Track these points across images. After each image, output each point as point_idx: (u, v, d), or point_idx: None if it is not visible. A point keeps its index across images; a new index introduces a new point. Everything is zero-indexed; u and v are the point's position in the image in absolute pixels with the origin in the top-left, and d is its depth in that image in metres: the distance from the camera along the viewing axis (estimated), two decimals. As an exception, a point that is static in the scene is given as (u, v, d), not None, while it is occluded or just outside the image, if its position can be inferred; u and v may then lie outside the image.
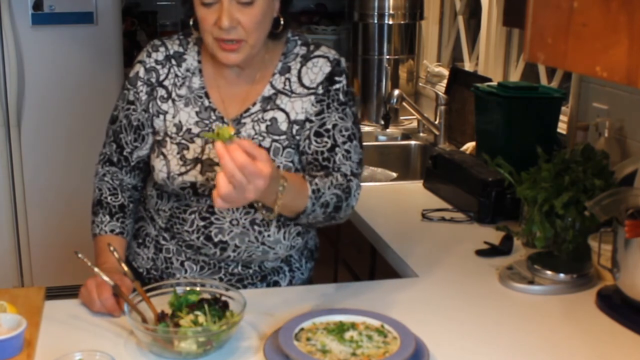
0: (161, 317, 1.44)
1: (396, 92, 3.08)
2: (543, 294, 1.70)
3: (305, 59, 1.67)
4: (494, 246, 1.94)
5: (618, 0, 1.25)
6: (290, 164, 1.65)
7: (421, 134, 3.27)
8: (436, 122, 3.09)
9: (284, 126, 1.65)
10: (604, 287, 1.71)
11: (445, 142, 3.05)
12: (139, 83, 1.68)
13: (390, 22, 3.40)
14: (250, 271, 1.72)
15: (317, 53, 1.68)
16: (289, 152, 1.64)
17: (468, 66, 3.29)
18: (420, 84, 3.57)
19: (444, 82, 3.20)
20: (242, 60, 1.59)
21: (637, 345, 1.49)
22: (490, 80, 2.77)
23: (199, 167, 1.63)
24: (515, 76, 2.91)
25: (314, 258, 1.85)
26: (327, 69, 1.66)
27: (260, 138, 1.64)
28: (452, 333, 1.51)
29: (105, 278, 1.50)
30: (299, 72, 1.67)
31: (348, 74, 1.71)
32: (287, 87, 1.66)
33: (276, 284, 1.76)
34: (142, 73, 1.68)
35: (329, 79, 1.66)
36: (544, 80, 2.74)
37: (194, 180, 1.63)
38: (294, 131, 1.65)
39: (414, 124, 3.38)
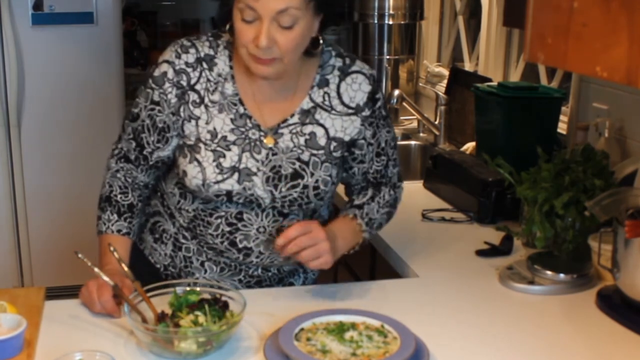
0: (161, 317, 1.44)
1: (396, 92, 3.08)
2: (543, 294, 1.70)
3: (344, 73, 1.67)
4: (494, 246, 1.94)
5: (618, 0, 1.25)
6: (329, 178, 1.65)
7: (421, 134, 3.27)
8: (436, 122, 3.09)
9: (322, 141, 1.65)
10: (604, 287, 1.71)
11: (445, 142, 3.05)
12: (167, 84, 1.62)
13: (390, 22, 3.40)
14: (269, 274, 1.73)
15: (354, 68, 1.68)
16: (326, 167, 1.65)
17: (468, 66, 3.29)
18: (420, 84, 3.57)
19: (444, 82, 3.20)
20: (274, 75, 1.58)
21: (637, 345, 1.49)
22: (490, 80, 2.77)
23: (236, 175, 1.61)
24: (515, 76, 2.91)
25: None
26: (367, 87, 1.67)
27: (300, 151, 1.63)
28: (452, 333, 1.51)
29: (106, 278, 1.50)
30: (338, 87, 1.66)
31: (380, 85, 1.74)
32: (327, 103, 1.66)
33: (291, 284, 1.77)
34: (170, 74, 1.62)
35: (372, 99, 1.68)
36: (544, 80, 2.74)
37: (230, 189, 1.61)
38: (332, 147, 1.66)
39: (414, 124, 3.38)
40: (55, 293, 1.85)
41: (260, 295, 1.66)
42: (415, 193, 2.44)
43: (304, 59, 1.62)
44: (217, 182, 1.61)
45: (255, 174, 1.61)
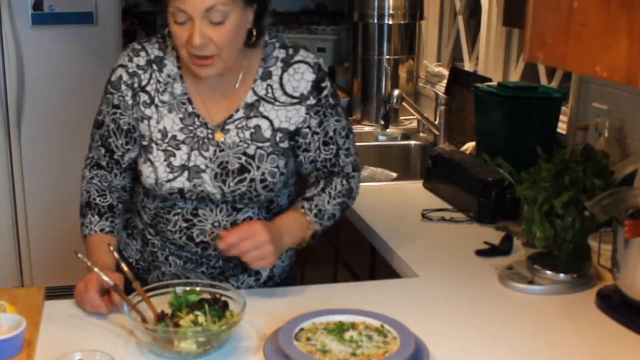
0: (161, 317, 1.44)
1: (396, 92, 3.08)
2: (543, 294, 1.70)
3: (286, 64, 1.68)
4: (494, 246, 1.94)
5: (618, 0, 1.25)
6: (276, 169, 1.67)
7: (421, 134, 3.27)
8: (436, 122, 3.09)
9: (267, 133, 1.67)
10: (604, 287, 1.71)
11: (445, 142, 3.05)
12: (123, 87, 1.68)
13: (390, 22, 3.40)
14: (232, 264, 1.75)
15: (297, 58, 1.69)
16: (273, 159, 1.67)
17: (468, 66, 3.29)
18: (420, 84, 3.57)
19: (444, 82, 3.20)
20: (216, 74, 1.61)
21: (637, 345, 1.49)
22: (490, 80, 2.77)
23: (186, 174, 1.65)
24: (515, 76, 2.91)
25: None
26: (311, 76, 1.68)
27: (245, 145, 1.66)
28: (452, 333, 1.51)
29: (106, 278, 1.51)
30: (281, 78, 1.68)
31: (327, 72, 1.73)
32: (270, 95, 1.68)
33: (257, 274, 1.78)
34: (125, 77, 1.68)
35: (316, 88, 1.68)
36: (544, 80, 2.74)
37: (181, 187, 1.66)
38: (278, 138, 1.68)
39: (414, 124, 3.38)
40: (55, 293, 1.85)
41: (260, 295, 1.66)
42: (415, 193, 2.44)
43: (246, 52, 1.65)
44: (169, 180, 1.65)
45: (204, 171, 1.65)
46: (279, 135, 1.67)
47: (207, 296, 1.49)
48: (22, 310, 1.48)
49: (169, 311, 1.45)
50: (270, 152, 1.67)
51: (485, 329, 1.53)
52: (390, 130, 3.22)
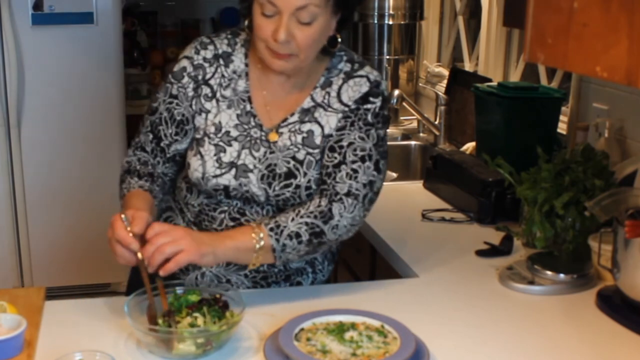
0: (167, 315, 1.42)
1: (396, 92, 3.08)
2: (543, 294, 1.70)
3: (348, 76, 1.67)
4: (494, 246, 1.94)
5: (618, 0, 1.25)
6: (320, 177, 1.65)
7: (421, 134, 3.27)
8: (436, 122, 3.09)
9: (318, 140, 1.65)
10: (604, 287, 1.71)
11: (445, 142, 3.05)
12: (186, 78, 1.67)
13: (390, 22, 3.40)
14: (276, 270, 1.72)
15: (360, 72, 1.67)
16: (320, 166, 1.65)
17: (468, 66, 3.29)
18: (420, 84, 3.57)
19: (444, 82, 3.20)
20: (290, 70, 1.60)
21: (637, 345, 1.49)
22: (490, 80, 2.77)
23: (233, 171, 1.63)
24: (515, 76, 2.91)
25: (334, 260, 1.84)
26: (365, 88, 1.66)
27: (296, 149, 1.64)
28: (452, 333, 1.51)
29: (134, 248, 1.45)
30: (340, 88, 1.66)
31: (387, 97, 1.70)
32: (326, 101, 1.66)
33: (299, 284, 1.76)
34: (189, 69, 1.66)
35: (364, 98, 1.65)
36: (544, 80, 2.74)
37: (227, 184, 1.63)
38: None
39: (414, 124, 3.38)
40: (55, 293, 1.86)
41: (260, 295, 1.66)
42: (415, 193, 2.44)
43: (318, 58, 1.64)
44: (216, 176, 1.63)
45: (251, 170, 1.63)
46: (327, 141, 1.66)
47: (207, 296, 1.49)
48: (22, 310, 1.48)
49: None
50: (319, 159, 1.64)
51: (485, 329, 1.53)
52: (390, 130, 3.21)
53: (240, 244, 1.53)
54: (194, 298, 1.48)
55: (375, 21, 3.41)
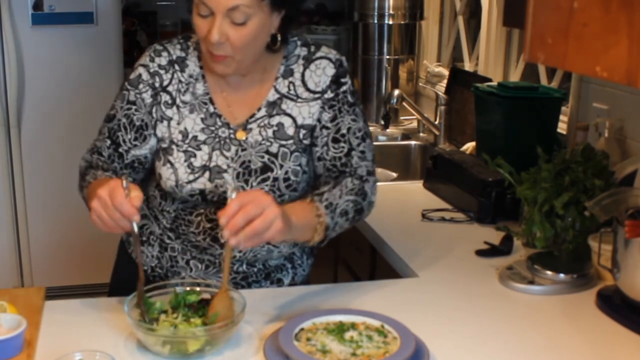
0: (165, 312, 1.41)
1: (396, 92, 3.08)
2: (543, 294, 1.70)
3: (308, 61, 1.68)
4: (494, 246, 1.94)
5: (618, 0, 1.25)
6: (298, 167, 1.66)
7: (421, 134, 3.27)
8: (436, 122, 3.09)
9: (290, 131, 1.66)
10: (604, 287, 1.71)
11: (445, 142, 3.05)
12: (142, 85, 1.67)
13: (390, 22, 3.40)
14: (255, 269, 1.72)
15: (318, 54, 1.68)
16: (296, 156, 1.65)
17: (468, 66, 3.29)
18: (420, 84, 3.58)
19: (444, 82, 3.20)
20: (230, 73, 1.61)
21: (637, 345, 1.49)
22: (490, 80, 2.77)
23: (207, 174, 1.63)
24: (515, 76, 2.91)
25: (313, 254, 1.85)
26: (331, 70, 1.67)
27: (268, 143, 1.65)
28: (452, 333, 1.51)
29: (135, 221, 1.39)
30: (303, 75, 1.67)
31: (351, 72, 1.72)
32: (292, 92, 1.67)
33: (279, 281, 1.76)
34: (145, 76, 1.67)
35: (335, 82, 1.67)
36: (544, 80, 2.74)
37: (202, 188, 1.63)
38: (301, 135, 1.66)
39: (414, 124, 3.38)
40: (55, 293, 1.86)
41: (260, 295, 1.66)
42: (415, 193, 2.44)
43: (268, 53, 1.63)
44: (190, 181, 1.63)
45: (225, 170, 1.63)
46: (302, 131, 1.66)
47: (207, 296, 1.49)
48: (22, 310, 1.48)
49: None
50: (294, 150, 1.65)
51: (485, 329, 1.53)
52: (390, 130, 3.22)
53: (304, 226, 1.51)
54: (193, 298, 1.48)
55: (375, 21, 3.41)
